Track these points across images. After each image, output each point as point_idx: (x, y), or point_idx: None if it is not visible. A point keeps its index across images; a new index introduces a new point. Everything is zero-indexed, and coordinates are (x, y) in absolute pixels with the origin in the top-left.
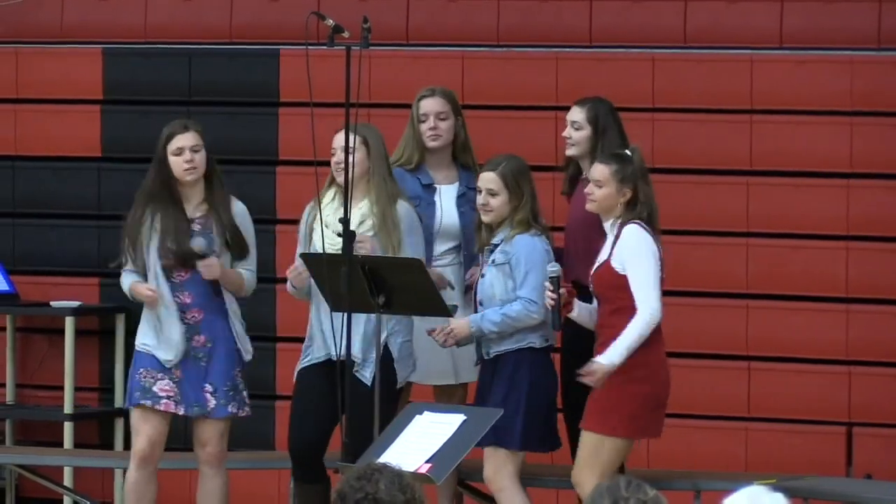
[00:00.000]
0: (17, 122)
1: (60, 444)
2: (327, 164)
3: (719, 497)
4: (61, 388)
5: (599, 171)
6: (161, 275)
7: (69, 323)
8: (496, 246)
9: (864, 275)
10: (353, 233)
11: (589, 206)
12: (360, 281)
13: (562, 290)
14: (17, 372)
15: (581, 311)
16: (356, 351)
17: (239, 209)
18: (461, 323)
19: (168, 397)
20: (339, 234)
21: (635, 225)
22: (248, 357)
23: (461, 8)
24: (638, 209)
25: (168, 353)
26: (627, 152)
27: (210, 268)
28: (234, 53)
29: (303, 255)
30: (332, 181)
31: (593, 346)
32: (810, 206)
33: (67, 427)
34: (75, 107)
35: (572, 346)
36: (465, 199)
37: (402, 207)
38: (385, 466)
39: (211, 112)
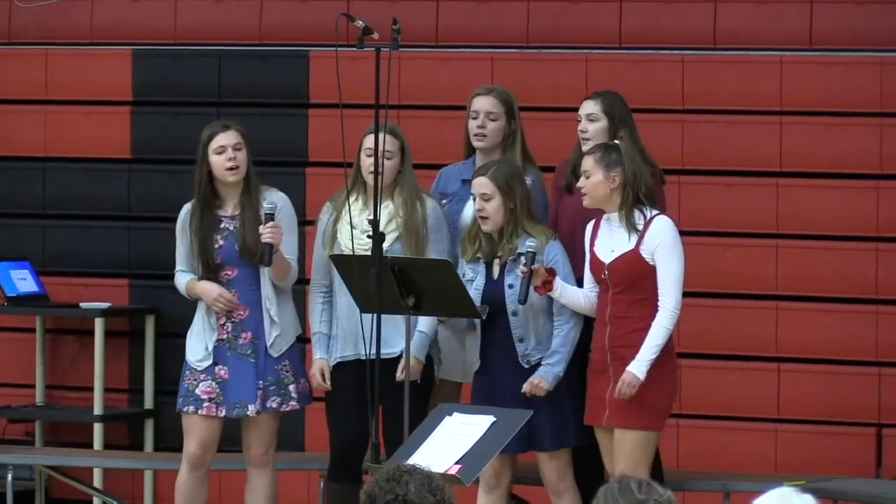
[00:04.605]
0: (48, 124)
1: (90, 446)
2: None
3: (749, 498)
4: (91, 389)
5: (585, 162)
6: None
7: (99, 324)
8: (522, 255)
9: (894, 276)
10: (383, 234)
11: (586, 202)
12: (391, 282)
13: (537, 266)
14: (47, 373)
15: (565, 292)
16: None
17: (278, 198)
18: (542, 382)
19: (210, 399)
20: (368, 236)
21: (668, 218)
22: (276, 353)
23: (491, 9)
24: (635, 192)
25: (196, 354)
26: (616, 141)
27: (275, 230)
28: (263, 55)
29: (332, 257)
30: (359, 182)
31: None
32: (840, 208)
33: (97, 428)
34: (105, 108)
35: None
36: None
37: (430, 204)
38: (415, 468)
39: (240, 113)
